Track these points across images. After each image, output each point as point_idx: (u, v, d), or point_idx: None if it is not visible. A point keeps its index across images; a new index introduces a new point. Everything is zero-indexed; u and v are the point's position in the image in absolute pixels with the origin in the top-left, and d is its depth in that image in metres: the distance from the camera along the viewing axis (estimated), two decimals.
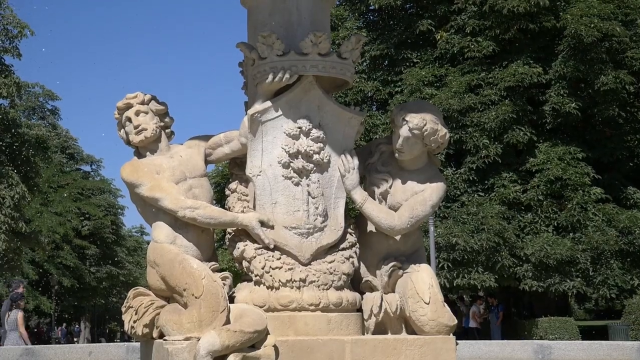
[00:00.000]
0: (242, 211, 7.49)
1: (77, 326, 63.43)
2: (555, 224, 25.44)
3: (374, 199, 7.68)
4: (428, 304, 7.42)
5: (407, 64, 27.92)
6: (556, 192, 25.19)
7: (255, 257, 7.36)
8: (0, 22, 28.86)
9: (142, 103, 7.76)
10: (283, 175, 7.42)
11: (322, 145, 7.45)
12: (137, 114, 7.71)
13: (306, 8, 7.65)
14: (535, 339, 22.42)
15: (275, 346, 6.82)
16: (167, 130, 7.86)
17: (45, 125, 50.60)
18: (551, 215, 25.42)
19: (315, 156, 7.43)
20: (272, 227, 7.37)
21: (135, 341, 9.91)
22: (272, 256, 7.35)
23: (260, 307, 7.22)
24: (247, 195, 7.62)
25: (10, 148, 29.47)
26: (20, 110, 41.15)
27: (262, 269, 7.32)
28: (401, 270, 7.63)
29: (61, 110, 56.76)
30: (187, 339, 6.70)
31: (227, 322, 6.87)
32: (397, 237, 7.66)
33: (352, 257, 7.54)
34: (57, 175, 51.09)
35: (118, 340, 62.59)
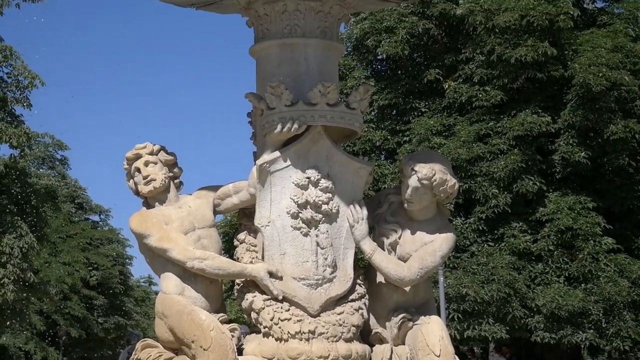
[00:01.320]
0: (251, 262, 7.46)
1: None
2: (567, 275, 25.27)
3: (383, 250, 7.64)
4: (439, 356, 7.34)
5: (415, 113, 27.96)
6: (567, 242, 25.05)
7: (264, 308, 7.31)
8: (12, 72, 29.06)
9: (151, 153, 7.76)
10: (292, 226, 7.39)
11: (330, 195, 7.43)
12: (146, 164, 7.71)
13: (314, 58, 7.67)
14: None
15: None
16: (175, 181, 7.86)
17: (54, 175, 50.74)
18: (562, 265, 25.26)
19: (324, 206, 7.40)
20: (280, 278, 7.32)
21: None
22: (281, 307, 7.29)
23: (269, 359, 7.15)
24: (255, 246, 7.59)
25: (19, 198, 29.51)
26: (29, 160, 41.30)
27: (271, 320, 7.27)
28: (411, 322, 7.57)
29: (70, 160, 57.04)
30: None
31: None
32: (407, 288, 7.60)
33: (362, 309, 7.48)
34: (66, 225, 51.09)
35: None
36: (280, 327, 7.23)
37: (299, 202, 7.35)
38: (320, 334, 7.25)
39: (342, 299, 7.44)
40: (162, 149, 7.85)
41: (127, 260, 57.47)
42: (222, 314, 7.49)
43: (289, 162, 7.40)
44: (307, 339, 7.22)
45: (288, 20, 7.66)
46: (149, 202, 7.79)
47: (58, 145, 53.48)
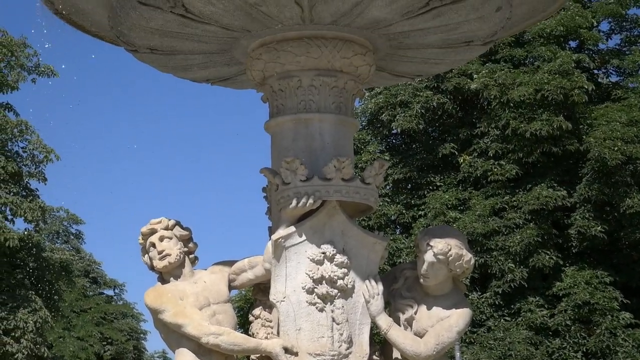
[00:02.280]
0: (266, 337, 7.40)
1: None
2: (584, 350, 25.02)
3: (399, 325, 7.58)
4: None
5: (431, 187, 28.00)
6: (584, 317, 24.86)
7: None
8: (27, 147, 29.30)
9: (166, 228, 7.77)
10: (307, 301, 7.34)
11: (346, 270, 7.39)
12: (161, 239, 7.71)
13: (329, 134, 7.70)
14: None
15: None
16: (191, 256, 7.85)
17: (69, 249, 50.79)
18: (580, 340, 25.02)
19: (340, 282, 7.36)
20: (296, 354, 7.26)
21: None
22: None
23: None
24: (271, 322, 7.53)
25: (33, 272, 29.53)
26: (44, 234, 41.40)
27: None
28: None
29: (85, 234, 57.16)
30: None
31: None
32: None
33: None
34: (80, 300, 51.01)
35: None
36: None
37: (315, 278, 7.32)
38: None
39: None
40: (177, 224, 7.86)
41: (142, 335, 57.20)
42: None
43: (304, 237, 7.38)
44: None
45: (303, 95, 7.70)
46: (164, 277, 7.77)
47: (73, 220, 53.64)
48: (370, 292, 7.48)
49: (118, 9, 7.44)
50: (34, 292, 28.64)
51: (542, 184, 26.03)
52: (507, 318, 25.92)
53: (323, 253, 7.36)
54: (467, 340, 25.59)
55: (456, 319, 7.54)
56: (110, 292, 59.56)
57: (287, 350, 7.25)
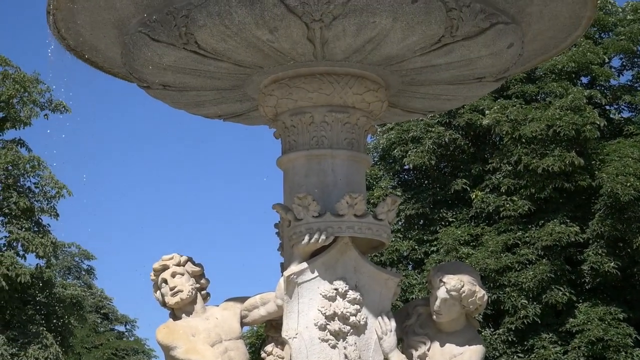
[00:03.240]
0: None
1: None
2: None
3: None
4: None
5: (443, 223, 27.92)
6: (598, 353, 24.65)
7: None
8: (39, 182, 29.38)
9: (178, 264, 7.76)
10: (319, 338, 7.31)
11: (358, 307, 7.36)
12: (173, 275, 7.71)
13: (341, 169, 7.70)
14: None
15: None
16: (202, 292, 7.84)
17: (80, 285, 50.77)
18: None
19: (352, 318, 7.33)
20: None
21: None
22: None
23: None
24: (283, 358, 7.51)
25: (45, 308, 29.51)
26: (55, 270, 41.41)
27: None
28: None
29: (97, 270, 57.20)
30: None
31: None
32: None
33: None
34: (91, 336, 50.92)
35: None
36: None
37: (327, 314, 7.29)
38: None
39: None
40: (189, 260, 7.86)
41: None
42: None
43: (316, 274, 7.36)
44: None
45: (315, 131, 7.71)
46: (175, 313, 7.75)
47: (84, 255, 53.69)
48: (383, 328, 7.44)
49: (131, 45, 7.48)
50: (45, 328, 28.60)
51: (555, 220, 25.94)
52: (520, 355, 25.73)
53: (335, 289, 7.34)
54: None
55: (469, 355, 7.50)
56: (121, 328, 59.49)
57: None
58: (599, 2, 27.28)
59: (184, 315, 7.70)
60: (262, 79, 7.83)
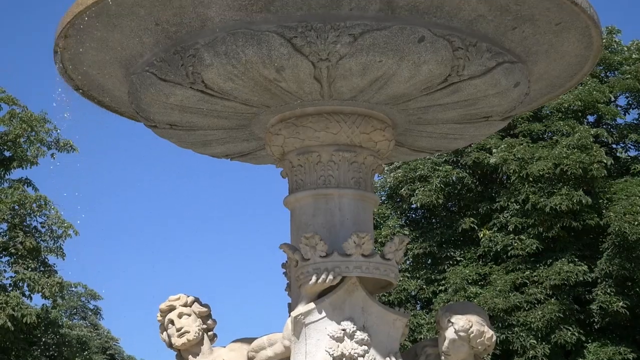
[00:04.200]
0: None
1: None
2: None
3: None
4: None
5: (451, 262, 27.84)
6: None
7: None
8: (46, 222, 29.36)
9: (185, 305, 7.73)
10: None
11: (366, 347, 7.30)
12: (180, 316, 7.67)
13: (349, 209, 7.68)
14: None
15: None
16: (209, 333, 7.80)
17: (86, 325, 50.60)
18: None
19: (360, 359, 7.27)
20: None
21: None
22: None
23: None
24: None
25: (51, 349, 29.38)
26: (62, 310, 41.29)
27: None
28: None
29: (103, 310, 57.03)
30: None
31: None
32: None
33: None
34: None
35: None
36: None
37: (335, 355, 7.22)
38: None
39: None
40: (196, 300, 7.82)
41: None
42: None
43: (324, 314, 7.31)
44: None
45: (322, 170, 7.70)
46: (182, 355, 7.71)
47: (91, 295, 53.53)
48: None
49: (138, 84, 7.50)
50: None
51: (563, 259, 25.85)
52: None
53: (343, 330, 7.28)
54: None
55: None
56: None
57: None
58: (604, 41, 27.40)
59: (190, 356, 7.65)
60: (269, 118, 7.83)
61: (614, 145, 29.03)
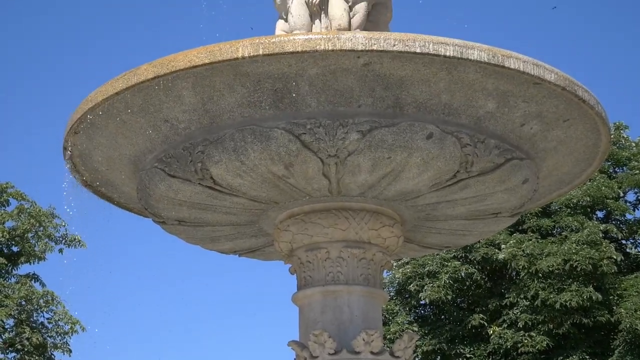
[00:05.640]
0: None
1: None
2: None
3: None
4: None
5: (461, 359, 27.52)
6: None
7: None
8: (52, 318, 29.16)
9: None
10: None
11: None
12: None
13: (357, 306, 7.61)
14: None
15: None
16: None
17: None
18: None
19: None
20: None
21: None
22: None
23: None
24: None
25: None
26: None
27: None
28: None
29: None
30: None
31: None
32: None
33: None
34: None
35: None
36: None
37: None
38: None
39: None
40: None
41: None
42: None
43: None
44: None
45: (331, 267, 7.65)
46: None
47: None
48: None
49: (147, 180, 7.50)
50: None
51: (574, 356, 25.55)
52: None
53: None
54: None
55: None
56: None
57: None
58: (612, 136, 27.53)
59: None
60: (278, 214, 7.81)
61: (624, 241, 28.92)
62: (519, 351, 26.28)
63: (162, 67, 6.67)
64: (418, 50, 6.44)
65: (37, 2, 49.09)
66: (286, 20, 8.11)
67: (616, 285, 26.19)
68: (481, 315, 27.50)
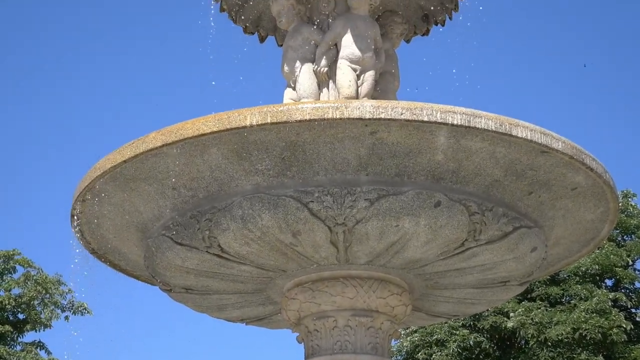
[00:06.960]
0: None
1: None
2: None
3: None
4: None
5: None
6: None
7: None
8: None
9: None
10: None
11: None
12: None
13: None
14: None
15: None
16: None
17: None
18: None
19: None
20: None
21: None
22: None
23: None
24: None
25: None
26: None
27: None
28: None
29: None
30: None
31: None
32: None
33: None
34: None
35: None
36: None
37: None
38: None
39: None
40: None
41: None
42: None
43: None
44: None
45: (339, 336, 7.59)
46: None
47: None
48: None
49: (154, 248, 7.48)
50: None
51: None
52: None
53: None
54: None
55: None
56: None
57: None
58: (620, 205, 27.48)
59: None
60: (285, 283, 7.77)
61: (633, 310, 28.71)
62: None
63: (170, 135, 6.67)
64: (425, 119, 6.45)
65: (60, 70, 49.43)
66: (294, 89, 8.14)
67: (626, 354, 25.94)
68: None
